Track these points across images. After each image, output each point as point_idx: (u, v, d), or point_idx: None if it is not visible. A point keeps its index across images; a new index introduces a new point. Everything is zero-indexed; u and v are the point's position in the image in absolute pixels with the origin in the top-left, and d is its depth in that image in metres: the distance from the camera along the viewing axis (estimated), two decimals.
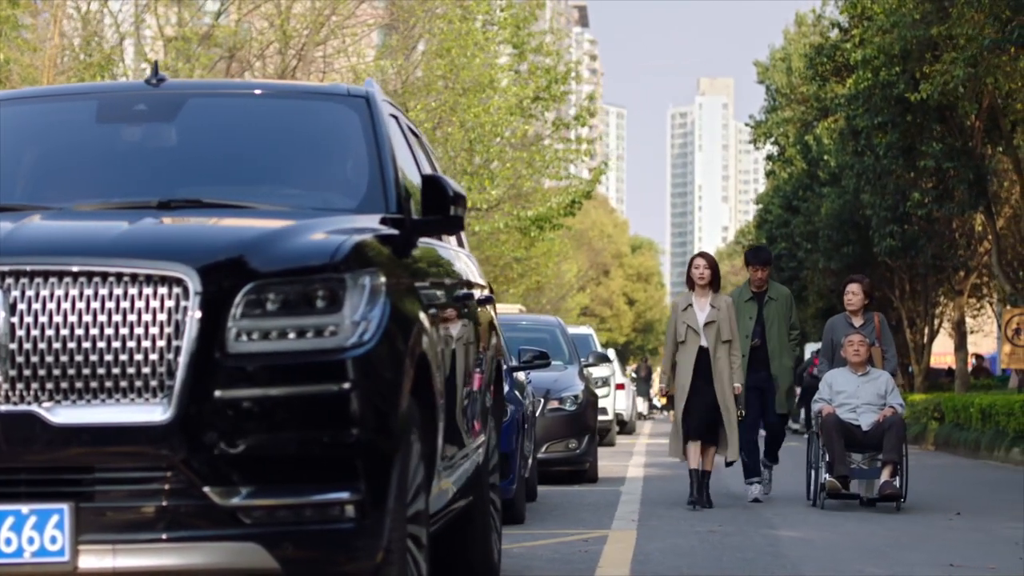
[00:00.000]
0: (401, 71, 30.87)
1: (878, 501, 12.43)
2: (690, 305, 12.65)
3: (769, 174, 48.16)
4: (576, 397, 15.50)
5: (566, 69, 33.37)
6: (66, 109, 6.27)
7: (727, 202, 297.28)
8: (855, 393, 12.75)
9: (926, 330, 37.55)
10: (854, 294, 13.33)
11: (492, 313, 7.75)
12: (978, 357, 41.75)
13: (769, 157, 46.82)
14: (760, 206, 51.49)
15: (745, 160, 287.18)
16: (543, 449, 15.02)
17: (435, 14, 30.97)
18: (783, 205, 44.12)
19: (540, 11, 36.45)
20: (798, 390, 44.80)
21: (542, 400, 15.03)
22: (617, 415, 30.07)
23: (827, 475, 12.41)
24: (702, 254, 12.99)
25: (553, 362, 16.31)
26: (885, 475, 12.37)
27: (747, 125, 46.28)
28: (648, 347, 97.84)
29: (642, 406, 47.71)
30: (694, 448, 12.47)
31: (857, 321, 13.29)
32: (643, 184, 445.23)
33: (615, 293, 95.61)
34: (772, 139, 44.65)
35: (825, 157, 38.15)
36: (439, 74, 29.64)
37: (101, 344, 4.69)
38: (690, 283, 12.77)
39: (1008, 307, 29.02)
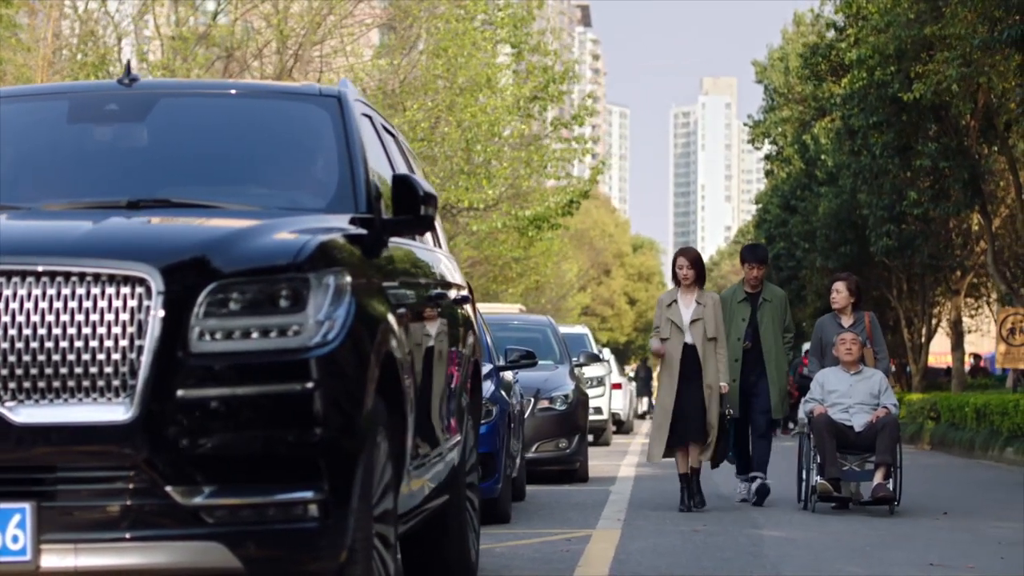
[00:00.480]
0: (399, 70, 30.88)
1: (871, 504, 12.09)
2: (675, 301, 12.31)
3: (768, 174, 48.19)
4: (566, 396, 15.49)
5: (564, 68, 33.35)
6: (38, 109, 6.27)
7: (730, 201, 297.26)
8: (847, 393, 12.36)
9: (923, 330, 37.56)
10: (838, 292, 12.94)
11: (469, 312, 7.74)
12: (976, 357, 41.76)
13: (767, 157, 46.84)
14: (759, 206, 51.50)
15: (748, 159, 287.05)
16: (533, 448, 15.02)
17: (433, 14, 30.98)
18: (781, 205, 44.14)
19: (539, 10, 36.45)
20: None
21: (532, 399, 15.02)
22: (613, 414, 30.12)
23: (818, 477, 12.06)
24: (684, 251, 12.55)
25: (544, 362, 16.34)
26: (878, 477, 11.98)
27: (745, 125, 46.30)
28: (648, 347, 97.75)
29: (643, 404, 47.72)
30: (683, 453, 12.22)
31: (847, 320, 12.89)
32: (646, 184, 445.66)
33: (616, 293, 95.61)
34: (770, 139, 44.68)
35: (823, 157, 38.17)
36: (436, 73, 29.64)
37: (64, 344, 4.71)
38: (676, 280, 12.48)
39: (1003, 307, 29.03)
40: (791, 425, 32.54)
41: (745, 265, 13.26)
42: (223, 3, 30.03)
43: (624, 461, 20.25)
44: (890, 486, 11.98)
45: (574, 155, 34.79)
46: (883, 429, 12.11)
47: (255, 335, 4.78)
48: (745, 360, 12.96)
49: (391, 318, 5.41)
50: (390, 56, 31.45)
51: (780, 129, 43.68)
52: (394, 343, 5.39)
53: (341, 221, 5.57)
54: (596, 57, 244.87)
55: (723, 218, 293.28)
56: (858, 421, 12.24)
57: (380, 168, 6.34)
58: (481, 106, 30.22)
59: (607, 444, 26.14)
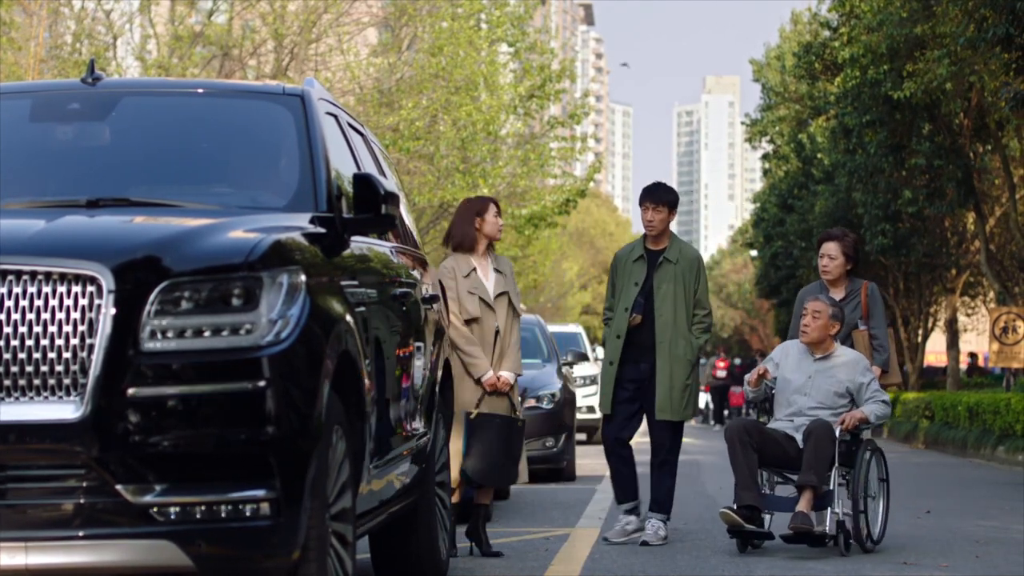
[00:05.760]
0: (395, 69, 30.90)
1: (790, 541, 9.00)
2: (474, 269, 8.99)
3: (765, 173, 48.23)
4: (553, 395, 15.47)
5: (560, 67, 33.37)
6: (1, 108, 6.27)
7: (733, 200, 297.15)
8: (804, 386, 9.30)
9: (920, 328, 37.59)
10: (831, 258, 9.79)
11: (440, 311, 7.75)
12: (972, 356, 41.75)
13: (765, 156, 46.86)
14: (757, 204, 51.56)
15: (751, 158, 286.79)
16: None
17: (430, 13, 30.98)
18: (779, 204, 44.17)
19: (539, 9, 36.46)
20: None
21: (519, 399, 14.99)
22: None
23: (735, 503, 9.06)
24: (495, 199, 9.26)
25: (531, 360, 16.33)
26: (801, 505, 8.95)
27: (743, 124, 46.32)
28: None
29: None
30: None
31: (837, 293, 9.78)
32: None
33: None
34: (767, 138, 44.71)
35: (819, 155, 38.19)
36: (431, 72, 29.66)
37: (15, 342, 4.73)
38: (471, 239, 9.04)
39: (995, 305, 29.06)
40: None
41: (641, 209, 9.85)
42: (219, 2, 30.05)
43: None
44: (833, 518, 9.00)
45: (572, 154, 34.81)
46: (809, 438, 9.01)
47: (207, 334, 4.80)
48: (631, 340, 9.63)
49: (349, 317, 5.42)
50: (386, 55, 31.46)
51: (777, 128, 43.71)
52: (351, 342, 5.40)
53: (300, 220, 5.59)
54: (599, 56, 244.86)
55: (726, 217, 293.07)
56: (804, 425, 9.18)
57: (344, 167, 6.35)
58: (477, 105, 30.23)
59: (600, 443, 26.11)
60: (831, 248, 9.82)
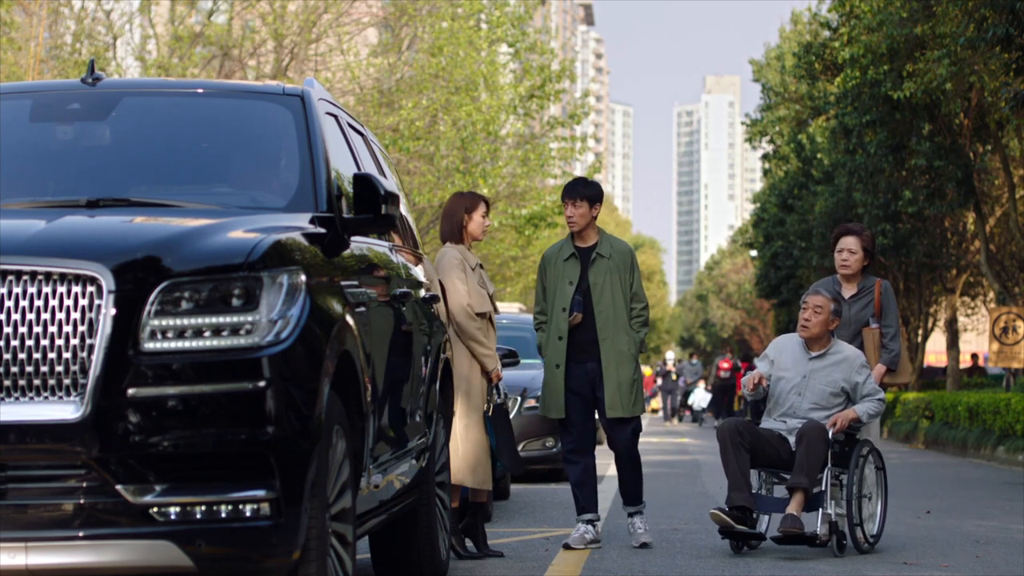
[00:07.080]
0: (395, 69, 30.92)
1: (780, 542, 8.91)
2: (479, 264, 9.12)
3: (765, 173, 48.24)
4: None
5: (560, 67, 33.40)
6: (1, 108, 6.27)
7: (733, 200, 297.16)
8: (800, 386, 9.18)
9: (920, 329, 37.59)
10: (851, 252, 9.55)
11: (440, 311, 7.75)
12: (974, 356, 41.76)
13: (765, 156, 46.87)
14: (757, 204, 51.56)
15: (751, 158, 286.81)
16: (520, 447, 14.99)
17: (430, 13, 31.00)
18: (779, 204, 44.18)
19: (539, 9, 36.49)
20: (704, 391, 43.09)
21: (519, 398, 15.00)
22: None
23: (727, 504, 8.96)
24: (486, 199, 9.28)
25: (532, 361, 16.32)
26: (792, 507, 8.84)
27: (743, 124, 46.33)
28: (650, 345, 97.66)
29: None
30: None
31: (849, 289, 9.60)
32: (649, 182, 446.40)
33: None
34: (767, 137, 44.72)
35: (819, 156, 38.20)
36: (431, 72, 29.68)
37: (15, 342, 4.73)
38: (458, 234, 9.11)
39: (995, 305, 29.07)
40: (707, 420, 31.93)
41: (564, 205, 9.46)
42: (219, 2, 30.06)
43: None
44: (827, 520, 8.87)
45: (572, 154, 34.83)
46: (802, 440, 8.93)
47: (207, 334, 4.80)
48: (573, 340, 9.34)
49: (349, 317, 5.42)
50: (386, 55, 31.48)
51: (777, 128, 43.72)
52: (351, 342, 5.40)
53: (300, 220, 5.59)
54: (599, 56, 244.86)
55: (726, 217, 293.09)
56: (797, 428, 9.09)
57: (344, 167, 6.35)
58: (477, 105, 30.25)
59: (601, 443, 26.11)
60: (850, 243, 9.59)
